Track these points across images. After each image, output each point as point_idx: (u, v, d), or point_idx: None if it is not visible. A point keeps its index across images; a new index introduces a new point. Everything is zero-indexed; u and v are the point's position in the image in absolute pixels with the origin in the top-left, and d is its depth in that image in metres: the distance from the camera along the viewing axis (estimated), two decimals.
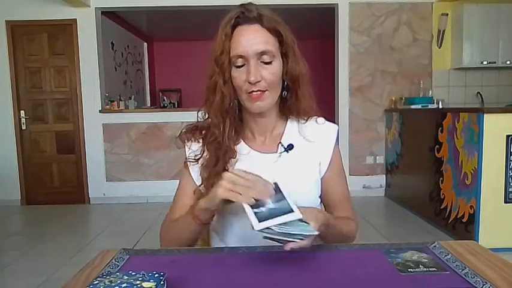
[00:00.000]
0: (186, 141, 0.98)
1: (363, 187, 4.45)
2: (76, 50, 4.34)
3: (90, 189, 4.48)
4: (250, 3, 0.91)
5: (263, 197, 0.72)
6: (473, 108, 3.20)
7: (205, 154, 0.94)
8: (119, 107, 4.58)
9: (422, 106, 3.97)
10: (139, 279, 0.56)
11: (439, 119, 3.19)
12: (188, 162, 0.96)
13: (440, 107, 4.05)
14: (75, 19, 4.29)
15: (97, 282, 0.56)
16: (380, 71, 4.42)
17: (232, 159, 0.93)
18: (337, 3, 4.35)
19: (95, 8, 4.32)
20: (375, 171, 4.48)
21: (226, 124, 0.91)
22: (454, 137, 2.97)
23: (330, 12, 4.45)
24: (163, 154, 4.41)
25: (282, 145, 0.96)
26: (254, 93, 0.88)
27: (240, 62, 0.87)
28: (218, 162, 0.91)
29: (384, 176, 4.46)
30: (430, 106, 4.00)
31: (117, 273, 0.59)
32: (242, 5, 0.90)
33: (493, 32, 4.18)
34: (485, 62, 4.23)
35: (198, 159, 0.95)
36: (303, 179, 0.96)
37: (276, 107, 0.97)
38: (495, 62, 4.24)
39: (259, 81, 0.87)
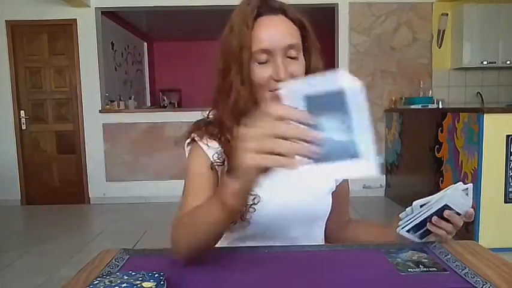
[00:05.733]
0: (199, 138, 0.82)
1: (363, 187, 4.44)
2: (76, 50, 4.34)
3: (90, 189, 4.48)
4: None
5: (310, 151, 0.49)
6: (473, 108, 3.20)
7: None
8: (118, 107, 4.59)
9: (422, 106, 3.97)
10: (139, 279, 0.56)
11: (439, 119, 3.18)
12: (216, 166, 0.81)
13: (440, 107, 4.05)
14: (75, 19, 4.30)
15: (97, 282, 0.56)
16: (380, 71, 4.42)
17: None
18: (337, 3, 4.35)
19: (95, 8, 4.32)
20: None
21: None
22: (454, 137, 2.96)
23: (330, 12, 4.45)
24: (163, 154, 4.40)
25: None
26: None
27: (264, 58, 0.76)
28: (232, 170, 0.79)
29: (384, 176, 4.46)
30: (430, 106, 4.00)
31: (117, 273, 0.59)
32: None
33: (493, 32, 4.18)
34: (485, 62, 4.23)
35: (224, 160, 0.80)
36: (320, 189, 0.88)
37: None
38: (495, 62, 4.24)
39: None
